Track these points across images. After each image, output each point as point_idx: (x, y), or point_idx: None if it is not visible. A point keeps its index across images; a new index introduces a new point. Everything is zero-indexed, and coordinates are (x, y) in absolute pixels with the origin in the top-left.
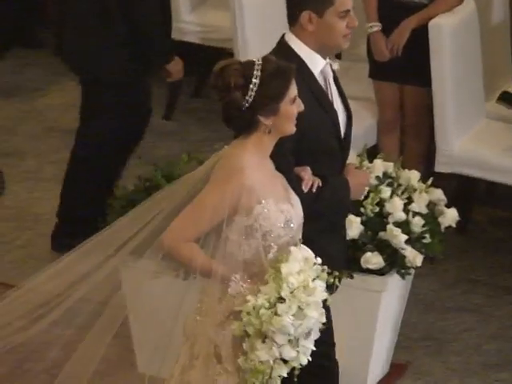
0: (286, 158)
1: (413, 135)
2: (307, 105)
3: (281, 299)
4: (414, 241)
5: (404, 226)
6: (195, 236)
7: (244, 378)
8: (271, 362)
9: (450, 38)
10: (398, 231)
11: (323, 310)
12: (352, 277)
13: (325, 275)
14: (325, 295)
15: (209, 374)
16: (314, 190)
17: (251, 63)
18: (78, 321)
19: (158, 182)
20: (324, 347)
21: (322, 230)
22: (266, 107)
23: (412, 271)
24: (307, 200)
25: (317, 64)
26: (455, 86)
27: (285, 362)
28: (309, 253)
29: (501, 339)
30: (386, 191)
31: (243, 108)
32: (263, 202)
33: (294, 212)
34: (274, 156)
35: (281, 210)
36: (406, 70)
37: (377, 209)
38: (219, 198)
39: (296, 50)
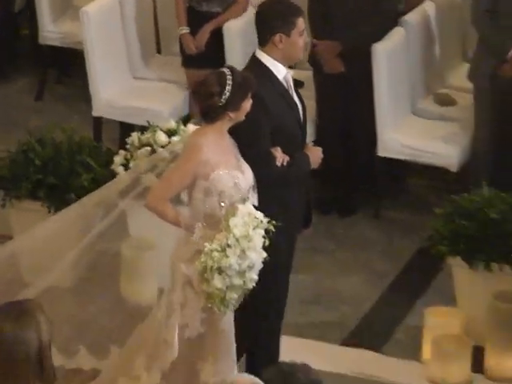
0: (263, 140)
1: None
2: (277, 102)
3: (228, 245)
4: None
5: None
6: (169, 196)
7: (208, 300)
8: (224, 288)
9: (238, 37)
10: None
11: (262, 251)
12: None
13: (263, 224)
14: (262, 240)
15: (185, 295)
16: (285, 164)
17: (224, 74)
18: None
19: (33, 146)
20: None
21: (290, 191)
22: (235, 106)
23: None
24: (280, 172)
25: (281, 72)
26: None
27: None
28: (251, 208)
29: None
30: None
31: (218, 107)
32: (216, 170)
33: (242, 177)
34: (252, 139)
35: (231, 176)
36: (205, 60)
37: None
38: (184, 170)
39: (266, 63)
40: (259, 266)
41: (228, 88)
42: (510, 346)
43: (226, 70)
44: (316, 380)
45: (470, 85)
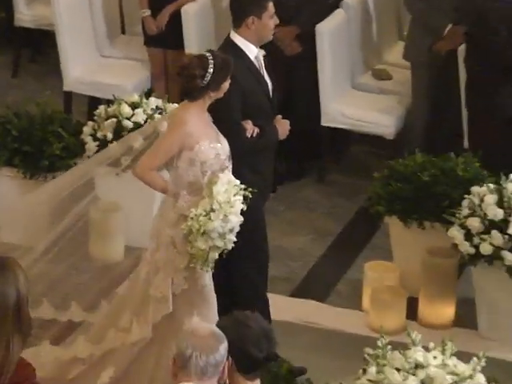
0: (235, 114)
1: (173, 81)
2: (248, 79)
3: (213, 210)
4: None
5: None
6: (156, 166)
7: (191, 260)
8: (207, 249)
9: (195, 19)
10: None
11: (240, 215)
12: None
13: (242, 191)
14: (241, 206)
15: (169, 256)
16: (255, 135)
17: (205, 58)
18: None
19: (10, 118)
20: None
21: (259, 159)
22: (216, 87)
23: None
24: (250, 142)
25: (252, 52)
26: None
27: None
28: (231, 177)
29: None
30: None
31: (200, 88)
32: (200, 142)
33: (221, 148)
34: (225, 113)
35: (213, 147)
36: (165, 40)
37: None
38: (171, 142)
39: (238, 44)
40: (237, 228)
41: (210, 71)
42: (440, 296)
43: (207, 54)
44: (266, 328)
45: (404, 61)
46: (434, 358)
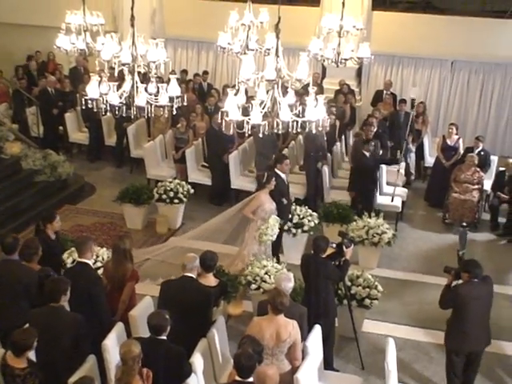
0: (277, 193)
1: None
2: (281, 183)
3: (268, 227)
4: None
5: None
6: (251, 212)
7: (259, 242)
8: (266, 238)
9: (190, 155)
10: None
11: (277, 230)
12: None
13: (279, 222)
14: (278, 227)
15: (253, 241)
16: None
17: (270, 174)
18: None
19: (133, 189)
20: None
21: (287, 207)
22: (269, 184)
23: None
24: (282, 205)
25: (282, 175)
26: None
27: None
28: (275, 216)
29: None
30: None
31: (264, 185)
32: (265, 205)
33: (273, 206)
34: (274, 194)
35: (270, 207)
36: (180, 160)
37: None
38: (256, 204)
39: (278, 172)
40: (276, 234)
41: (273, 183)
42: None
43: (270, 173)
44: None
45: None
46: (269, 263)
